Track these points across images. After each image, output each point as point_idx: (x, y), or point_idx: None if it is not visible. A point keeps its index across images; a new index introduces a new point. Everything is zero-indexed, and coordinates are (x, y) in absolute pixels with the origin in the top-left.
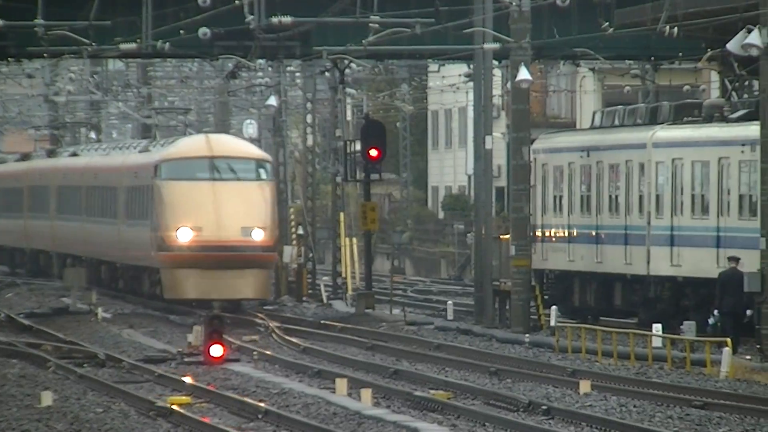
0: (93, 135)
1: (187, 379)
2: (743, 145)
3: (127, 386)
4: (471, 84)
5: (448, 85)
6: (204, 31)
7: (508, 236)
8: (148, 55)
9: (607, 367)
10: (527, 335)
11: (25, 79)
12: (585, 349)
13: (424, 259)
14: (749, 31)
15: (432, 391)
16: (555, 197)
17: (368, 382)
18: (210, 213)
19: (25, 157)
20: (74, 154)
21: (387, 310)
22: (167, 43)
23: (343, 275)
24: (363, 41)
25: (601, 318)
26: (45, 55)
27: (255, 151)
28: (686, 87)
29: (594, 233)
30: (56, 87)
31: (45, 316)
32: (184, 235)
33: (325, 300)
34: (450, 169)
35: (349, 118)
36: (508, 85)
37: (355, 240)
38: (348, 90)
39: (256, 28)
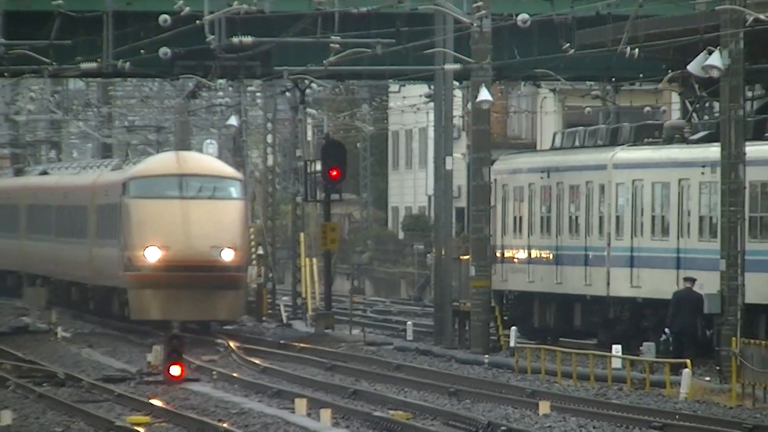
0: (53, 154)
1: (148, 399)
2: (704, 166)
3: (87, 405)
4: (431, 104)
5: (409, 106)
6: (165, 51)
7: (467, 257)
8: (109, 75)
9: (567, 388)
10: (487, 356)
11: None
12: (544, 370)
13: (383, 280)
14: (710, 53)
15: (391, 412)
16: (515, 218)
17: (328, 402)
18: (179, 232)
19: (18, 171)
20: (44, 173)
21: (347, 331)
22: (128, 63)
23: (303, 295)
24: (324, 61)
25: (561, 339)
26: (5, 74)
27: (225, 169)
28: (647, 108)
29: (554, 254)
30: (17, 106)
31: (4, 335)
32: (151, 255)
33: (284, 320)
34: (410, 189)
35: (309, 138)
36: (469, 105)
37: (315, 260)
38: (308, 110)
39: (217, 48)
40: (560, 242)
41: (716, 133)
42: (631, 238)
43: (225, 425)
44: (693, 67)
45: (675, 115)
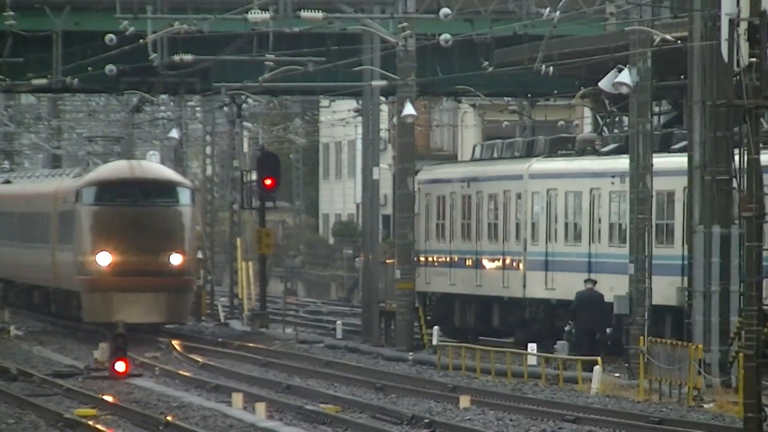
0: (6, 164)
1: (97, 393)
2: (613, 176)
3: (38, 399)
4: (360, 118)
5: (339, 120)
6: (110, 68)
7: (393, 261)
8: (58, 90)
9: (486, 383)
10: (411, 353)
11: None
12: (465, 367)
13: (315, 282)
14: (620, 71)
15: (322, 405)
16: (437, 225)
17: (262, 396)
18: (129, 237)
19: None
20: (7, 182)
21: (280, 329)
22: (76, 79)
23: (240, 296)
24: (259, 78)
25: (480, 337)
26: None
27: (175, 177)
28: (561, 122)
29: (474, 258)
30: None
31: None
32: (102, 259)
33: (222, 319)
34: (340, 197)
35: (245, 149)
36: (395, 119)
37: (251, 263)
38: (245, 123)
39: (159, 65)
40: (480, 247)
41: (625, 146)
42: (546, 243)
43: (168, 418)
44: (604, 84)
45: (587, 129)
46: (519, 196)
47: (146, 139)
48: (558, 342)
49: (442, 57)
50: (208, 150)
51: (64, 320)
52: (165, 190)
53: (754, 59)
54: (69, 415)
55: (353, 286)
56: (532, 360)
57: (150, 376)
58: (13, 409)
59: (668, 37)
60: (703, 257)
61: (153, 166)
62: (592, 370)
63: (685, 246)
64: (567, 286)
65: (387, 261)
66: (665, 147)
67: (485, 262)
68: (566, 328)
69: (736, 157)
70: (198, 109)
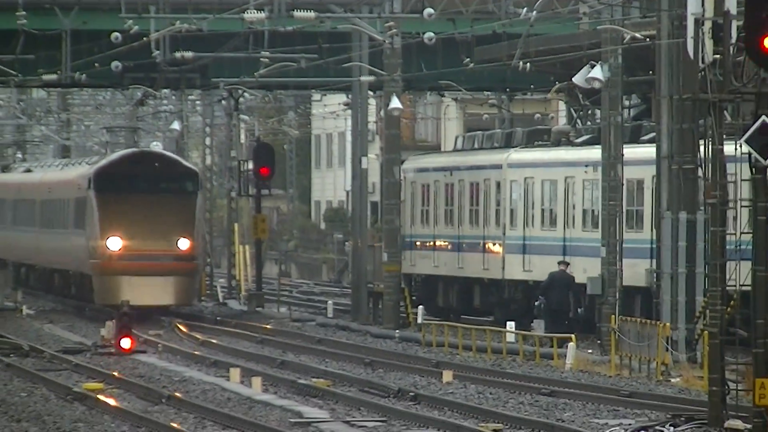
0: (19, 154)
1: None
2: (587, 166)
3: (48, 374)
4: (349, 111)
5: (329, 113)
6: (116, 64)
7: (380, 244)
8: (67, 85)
9: (467, 359)
10: (397, 331)
11: None
12: (447, 344)
13: (307, 264)
14: (592, 67)
15: (314, 380)
16: (422, 211)
17: (258, 371)
18: (138, 223)
19: None
20: (28, 170)
21: (275, 309)
22: (84, 75)
23: (237, 278)
24: (255, 74)
25: (462, 316)
26: None
27: (183, 165)
28: (537, 115)
29: (456, 242)
30: None
31: None
32: (113, 244)
33: (221, 299)
34: (330, 185)
35: (242, 140)
36: (382, 112)
37: (247, 247)
38: (242, 116)
39: (162, 62)
40: (461, 232)
41: (598, 137)
42: (524, 228)
43: (168, 391)
44: (577, 79)
45: (562, 121)
46: (498, 184)
47: (149, 131)
48: (535, 320)
49: (426, 54)
50: (208, 141)
51: (84, 302)
52: (173, 177)
53: (718, 56)
54: (77, 389)
55: (343, 268)
56: (510, 337)
57: (153, 352)
58: (25, 383)
59: (637, 35)
60: (671, 241)
61: (162, 154)
62: (566, 347)
63: (654, 231)
64: (543, 268)
65: (374, 245)
66: (635, 138)
67: (466, 245)
68: (536, 303)
69: (701, 148)
70: (198, 102)
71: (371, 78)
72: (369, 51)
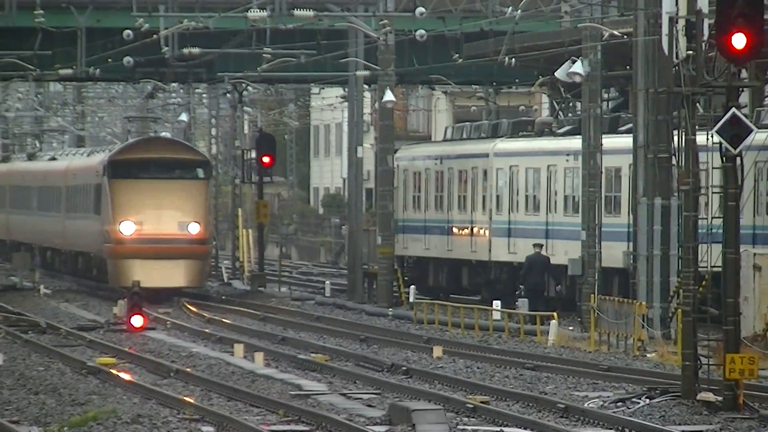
0: (37, 144)
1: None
2: (568, 155)
3: (64, 349)
4: (346, 104)
5: (327, 105)
6: (128, 60)
7: (375, 228)
8: (82, 79)
9: (456, 336)
10: (390, 309)
11: None
12: (438, 321)
13: (306, 247)
14: (573, 62)
15: (312, 355)
16: (414, 197)
17: (261, 346)
18: (150, 208)
19: (5, 158)
20: (53, 158)
21: (276, 288)
22: (98, 69)
23: (240, 260)
24: (257, 68)
25: (451, 295)
26: None
27: (194, 152)
28: (522, 107)
29: (445, 226)
30: (6, 105)
31: None
32: (126, 229)
33: (225, 279)
34: (328, 173)
35: (246, 131)
36: (376, 105)
37: (250, 231)
38: (245, 108)
39: (170, 57)
40: (451, 216)
41: (578, 128)
42: (509, 213)
43: (176, 365)
44: (559, 73)
45: (545, 113)
46: (485, 171)
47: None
48: (519, 299)
49: (418, 50)
50: (213, 131)
51: (106, 284)
52: (184, 164)
53: (691, 52)
54: (91, 363)
55: (340, 250)
56: (496, 315)
57: (162, 329)
58: (42, 358)
59: (615, 32)
60: (646, 225)
61: (175, 141)
62: (549, 324)
63: (631, 215)
64: (527, 251)
65: (369, 228)
66: (613, 129)
67: (455, 229)
68: (517, 292)
69: (675, 138)
70: (204, 95)
71: (366, 72)
72: (364, 47)
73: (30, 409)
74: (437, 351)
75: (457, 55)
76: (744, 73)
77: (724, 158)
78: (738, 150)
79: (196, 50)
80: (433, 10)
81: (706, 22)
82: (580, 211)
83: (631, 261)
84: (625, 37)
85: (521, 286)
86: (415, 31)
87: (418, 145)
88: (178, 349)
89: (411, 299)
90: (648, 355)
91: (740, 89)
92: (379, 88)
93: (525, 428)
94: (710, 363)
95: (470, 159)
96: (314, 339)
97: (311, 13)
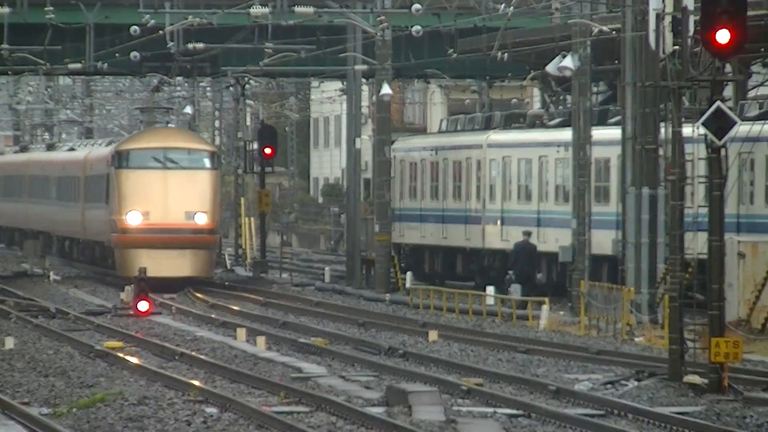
0: (47, 135)
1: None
2: (559, 146)
3: (73, 333)
4: (344, 97)
5: (327, 98)
6: (135, 54)
7: (372, 217)
8: (91, 73)
9: (451, 320)
10: (388, 295)
11: None
12: (433, 306)
13: (306, 235)
14: (564, 57)
15: (312, 339)
16: (410, 186)
17: (262, 331)
18: (157, 198)
19: (23, 148)
20: (71, 149)
21: (277, 275)
22: (105, 64)
23: (243, 247)
24: (260, 63)
25: (446, 282)
26: (9, 72)
27: (201, 142)
28: (514, 100)
29: (441, 215)
30: (18, 98)
31: (7, 278)
32: (133, 219)
33: (228, 266)
34: (328, 163)
35: (248, 123)
36: (374, 98)
37: (252, 219)
38: (247, 101)
39: (176, 52)
40: (445, 206)
41: (569, 120)
42: (502, 202)
43: (181, 349)
44: (550, 68)
45: (536, 106)
46: (479, 162)
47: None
48: (512, 285)
49: (414, 45)
50: (217, 123)
51: (113, 271)
52: (192, 154)
53: (677, 47)
54: (99, 347)
55: (339, 238)
56: (489, 300)
57: (168, 314)
58: (52, 342)
59: (604, 28)
60: (635, 214)
61: (182, 131)
62: (540, 309)
63: (619, 204)
64: (519, 239)
65: (367, 217)
66: (602, 121)
67: (450, 218)
68: (506, 278)
69: (662, 130)
70: (208, 89)
71: (364, 67)
72: (362, 42)
73: (40, 391)
74: (433, 335)
75: (452, 50)
76: (728, 68)
77: (709, 149)
78: (722, 141)
79: (200, 45)
80: (428, 7)
81: (692, 19)
82: (570, 200)
83: (620, 248)
84: (614, 33)
85: (510, 272)
86: (411, 27)
87: (414, 137)
88: (182, 333)
89: (407, 285)
90: (636, 339)
91: (724, 83)
92: (377, 81)
93: (517, 410)
94: (696, 347)
95: (464, 150)
96: (314, 323)
97: (311, 9)
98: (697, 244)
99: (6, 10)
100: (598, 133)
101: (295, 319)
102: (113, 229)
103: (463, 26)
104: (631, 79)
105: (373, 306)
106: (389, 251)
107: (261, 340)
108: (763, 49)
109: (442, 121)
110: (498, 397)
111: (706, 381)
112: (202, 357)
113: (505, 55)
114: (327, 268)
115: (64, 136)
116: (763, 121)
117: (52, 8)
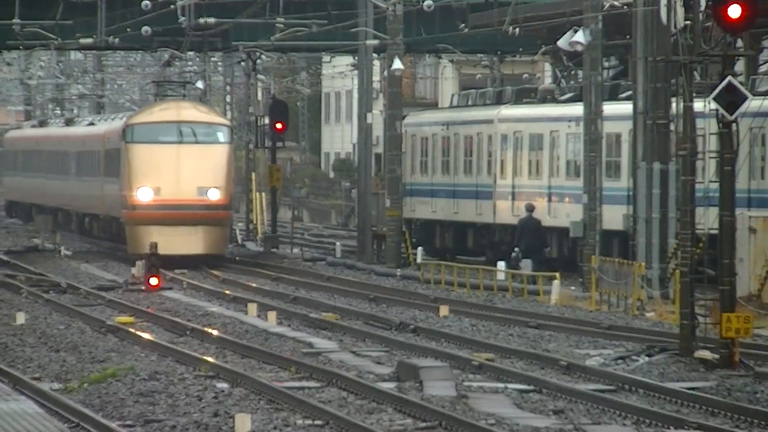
0: (58, 110)
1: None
2: (570, 121)
3: (84, 308)
4: (356, 72)
5: (338, 73)
6: (146, 29)
7: (384, 191)
8: (102, 48)
9: (462, 295)
10: (399, 270)
11: (5, 66)
12: (444, 281)
13: (318, 210)
14: (575, 32)
15: (323, 314)
16: (421, 161)
17: (273, 306)
18: (169, 174)
19: (42, 123)
20: (91, 123)
21: (288, 250)
22: (117, 39)
23: (254, 222)
24: (271, 38)
25: (457, 256)
26: (20, 47)
27: (214, 116)
28: (525, 75)
29: (452, 190)
30: (29, 73)
31: (19, 253)
32: (144, 195)
33: (239, 241)
34: (339, 138)
35: (259, 98)
36: (385, 72)
37: (263, 194)
38: (259, 76)
39: (187, 26)
40: (456, 180)
41: (580, 95)
42: (513, 177)
43: (192, 324)
44: (561, 42)
45: (547, 81)
46: (490, 137)
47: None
48: (523, 260)
49: (425, 20)
50: (228, 98)
51: (124, 246)
52: (204, 128)
53: (688, 22)
54: (110, 322)
55: (350, 213)
56: (500, 276)
57: (179, 289)
58: (63, 317)
59: (615, 2)
60: (645, 189)
61: (194, 104)
62: (551, 285)
63: (630, 179)
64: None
65: (378, 192)
66: (613, 96)
67: (461, 193)
68: (513, 255)
69: (673, 105)
70: (219, 63)
71: (376, 42)
72: (374, 17)
73: (51, 366)
74: (444, 310)
75: (463, 24)
76: (739, 43)
77: (720, 124)
78: (734, 116)
79: (211, 20)
80: None
81: None
82: (581, 175)
83: (631, 223)
84: (625, 7)
85: (516, 249)
86: (423, 1)
87: (426, 112)
88: (193, 308)
89: (418, 260)
90: (647, 315)
91: (736, 58)
92: (388, 56)
93: (528, 385)
94: (707, 322)
95: (475, 125)
96: (325, 298)
97: None
98: (708, 219)
99: None
100: (610, 108)
101: (306, 294)
102: (123, 205)
103: (475, 1)
104: (642, 54)
105: (384, 281)
106: (400, 226)
107: (272, 315)
108: None
109: (453, 96)
110: (509, 373)
111: (716, 356)
112: (213, 332)
113: (517, 29)
114: (338, 243)
115: (75, 111)
116: None
117: None
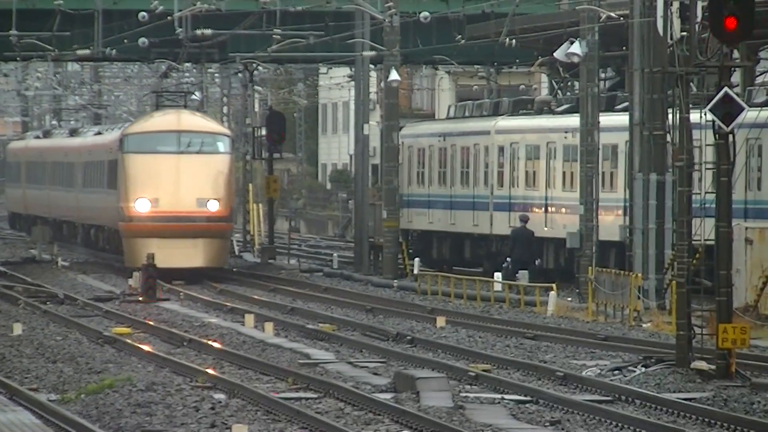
0: (55, 122)
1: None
2: (566, 132)
3: (81, 319)
4: (353, 83)
5: (335, 84)
6: (143, 40)
7: (380, 203)
8: (99, 59)
9: (459, 306)
10: (396, 281)
11: (2, 78)
12: (441, 292)
13: (315, 221)
14: (572, 43)
15: (320, 324)
16: (418, 172)
17: (270, 317)
18: (167, 185)
19: (46, 134)
20: (98, 133)
21: (285, 261)
22: (114, 50)
23: (251, 233)
24: (268, 49)
25: (454, 267)
26: (17, 58)
27: (214, 126)
28: (522, 86)
29: (448, 201)
30: (26, 84)
31: (16, 264)
32: (141, 206)
33: (237, 252)
34: (336, 149)
35: (256, 109)
36: (382, 84)
37: (260, 205)
38: (256, 87)
39: (184, 38)
40: (453, 191)
41: (576, 106)
42: (509, 188)
43: (189, 335)
44: (558, 54)
45: (544, 92)
46: (486, 148)
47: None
48: (519, 271)
49: (422, 31)
50: (225, 110)
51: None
52: (204, 138)
53: (685, 33)
54: (108, 333)
55: (347, 224)
56: (497, 286)
57: (176, 300)
58: (60, 327)
59: (612, 14)
60: (642, 200)
61: (193, 115)
62: (548, 295)
63: (627, 190)
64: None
65: (375, 203)
66: (610, 107)
67: (458, 204)
68: (504, 265)
69: (670, 116)
70: (216, 75)
71: (372, 53)
72: (370, 29)
73: (48, 377)
74: (440, 321)
75: (460, 36)
76: (736, 54)
77: (716, 135)
78: (730, 127)
79: (208, 31)
80: None
81: (700, 4)
82: (577, 186)
83: (628, 234)
84: (622, 18)
85: (508, 259)
86: (420, 13)
87: (422, 123)
88: (191, 319)
89: (415, 271)
90: (643, 325)
91: (732, 69)
92: (385, 67)
93: (525, 395)
94: (703, 333)
95: (472, 136)
96: (322, 309)
97: None
98: (704, 230)
99: None
100: (606, 119)
101: (303, 305)
102: (121, 217)
103: (472, 12)
104: (638, 65)
105: (381, 292)
106: (397, 237)
107: (269, 326)
108: None
109: (450, 107)
110: (506, 383)
111: (713, 367)
112: (210, 343)
113: (513, 41)
114: (335, 254)
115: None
116: None
117: None
